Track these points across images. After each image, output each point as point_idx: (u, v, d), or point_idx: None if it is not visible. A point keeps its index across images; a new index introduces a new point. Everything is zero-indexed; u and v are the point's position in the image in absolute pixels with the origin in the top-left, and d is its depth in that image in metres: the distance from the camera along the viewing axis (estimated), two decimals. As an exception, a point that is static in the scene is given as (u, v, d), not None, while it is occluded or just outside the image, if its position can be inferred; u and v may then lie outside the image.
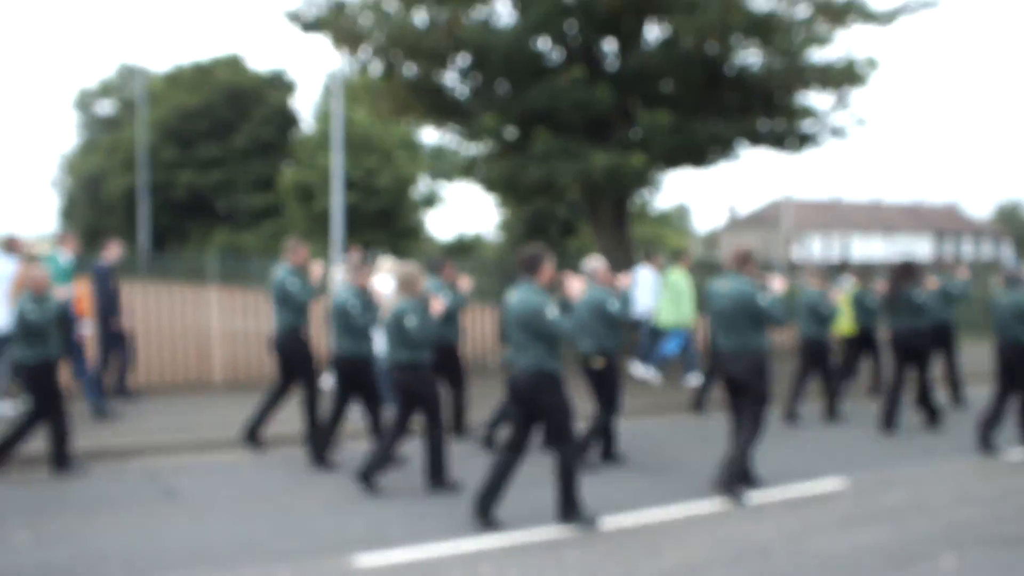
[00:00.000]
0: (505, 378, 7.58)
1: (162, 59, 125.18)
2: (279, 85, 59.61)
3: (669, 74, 15.06)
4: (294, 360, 9.80)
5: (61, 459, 8.88)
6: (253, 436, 10.02)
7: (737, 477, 8.23)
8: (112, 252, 11.99)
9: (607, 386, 9.36)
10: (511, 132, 15.86)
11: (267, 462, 9.68)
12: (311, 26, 14.79)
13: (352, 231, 42.98)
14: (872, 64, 15.27)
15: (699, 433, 11.24)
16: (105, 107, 69.31)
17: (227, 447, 10.16)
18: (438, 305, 8.51)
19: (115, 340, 11.91)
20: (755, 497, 8.19)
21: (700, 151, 15.75)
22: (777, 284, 8.54)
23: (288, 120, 57.03)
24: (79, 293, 11.51)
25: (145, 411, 11.76)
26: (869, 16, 14.98)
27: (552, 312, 7.07)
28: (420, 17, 14.59)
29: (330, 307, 9.74)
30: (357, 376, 9.17)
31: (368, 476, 8.30)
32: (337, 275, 11.92)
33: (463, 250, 45.64)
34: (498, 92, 15.20)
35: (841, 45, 15.30)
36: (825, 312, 11.80)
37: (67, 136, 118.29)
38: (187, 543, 6.89)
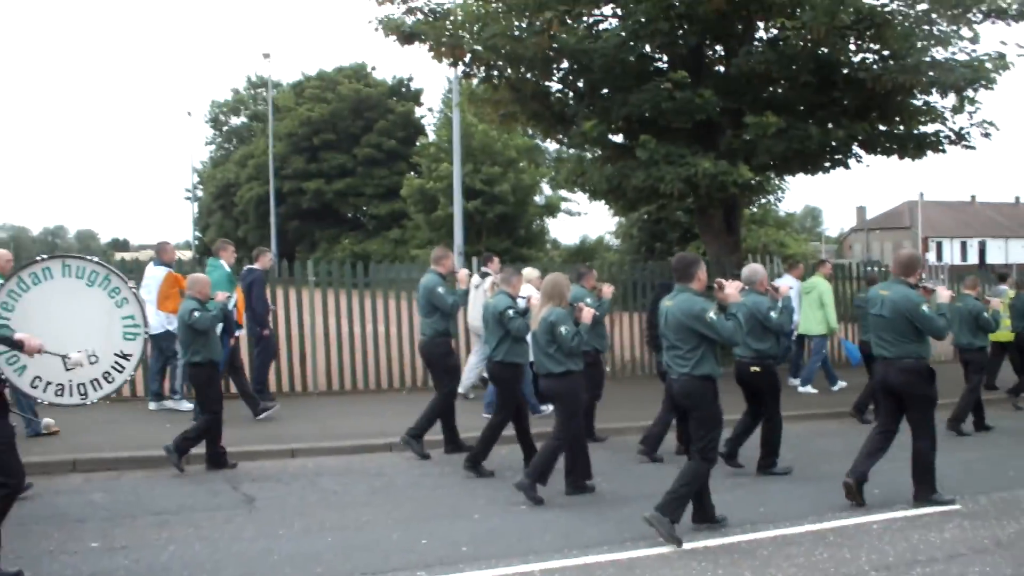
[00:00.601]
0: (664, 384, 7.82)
1: (290, 70, 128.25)
2: (404, 93, 60.40)
3: (778, 76, 14.48)
4: (439, 365, 10.07)
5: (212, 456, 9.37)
6: (417, 438, 10.08)
7: (931, 485, 8.11)
8: (264, 260, 12.60)
9: (764, 394, 9.31)
10: (615, 138, 15.49)
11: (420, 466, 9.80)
12: (410, 37, 14.64)
13: (474, 238, 43.11)
14: (1002, 63, 14.34)
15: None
16: (237, 119, 71.27)
17: (364, 451, 10.40)
18: (588, 314, 8.38)
19: (262, 344, 12.50)
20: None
21: (812, 157, 15.07)
22: (944, 295, 8.19)
23: (413, 128, 57.62)
24: (238, 299, 11.96)
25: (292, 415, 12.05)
26: (999, 11, 14.10)
27: (715, 314, 7.02)
28: (519, 24, 14.28)
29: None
30: (507, 382, 9.18)
31: (533, 484, 8.26)
32: (475, 283, 11.93)
33: (585, 255, 45.31)
34: (600, 98, 14.81)
35: (968, 43, 14.15)
36: (990, 323, 11.60)
37: (202, 149, 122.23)
38: (259, 554, 6.77)
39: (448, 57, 14.78)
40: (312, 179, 57.11)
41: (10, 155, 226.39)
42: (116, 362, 6.73)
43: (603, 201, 16.79)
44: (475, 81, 15.96)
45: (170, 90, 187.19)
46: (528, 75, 15.07)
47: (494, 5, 14.41)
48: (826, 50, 13.94)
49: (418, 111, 60.01)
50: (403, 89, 60.84)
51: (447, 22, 14.68)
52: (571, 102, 15.14)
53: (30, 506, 7.75)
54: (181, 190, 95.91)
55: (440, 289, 9.81)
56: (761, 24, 15.05)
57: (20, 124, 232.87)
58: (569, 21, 14.36)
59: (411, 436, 9.98)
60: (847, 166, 16.00)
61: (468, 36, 14.25)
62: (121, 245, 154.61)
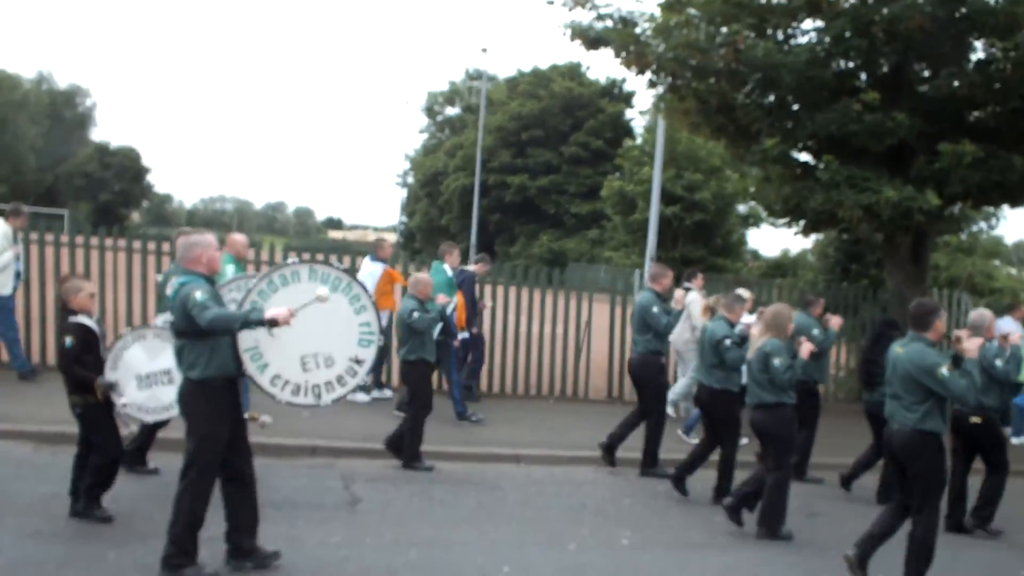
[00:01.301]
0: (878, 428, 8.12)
1: (506, 65, 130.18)
2: (616, 95, 60.36)
3: (982, 101, 13.60)
4: (649, 385, 10.05)
5: (410, 457, 9.64)
6: (610, 452, 10.27)
7: None
8: (481, 268, 13.13)
9: (986, 448, 8.97)
10: (800, 157, 14.95)
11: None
12: (595, 42, 14.56)
13: (671, 244, 42.64)
14: None
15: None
16: (451, 111, 72.92)
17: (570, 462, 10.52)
18: (806, 349, 8.29)
19: (473, 345, 12.86)
20: None
21: (1016, 189, 14.11)
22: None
23: (622, 130, 57.49)
24: (459, 303, 12.24)
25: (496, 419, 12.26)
26: None
27: (947, 371, 6.79)
28: (706, 35, 13.94)
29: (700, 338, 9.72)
30: (722, 411, 9.20)
31: (737, 509, 8.33)
32: (690, 299, 11.59)
33: (782, 270, 44.13)
34: (786, 115, 14.31)
35: None
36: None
37: (416, 137, 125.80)
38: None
39: (635, 65, 14.61)
40: (517, 174, 57.88)
41: (241, 132, 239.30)
42: (350, 366, 6.96)
43: (781, 219, 16.18)
44: (660, 89, 15.66)
45: (391, 79, 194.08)
46: (714, 87, 14.70)
47: (681, 17, 14.10)
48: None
49: (628, 113, 59.86)
50: (615, 90, 60.76)
51: (635, 29, 14.52)
52: (757, 117, 14.67)
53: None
54: (392, 175, 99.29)
55: (655, 308, 9.82)
56: (977, 43, 14.19)
57: (252, 102, 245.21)
58: (757, 34, 13.93)
59: (645, 466, 10.13)
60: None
61: (653, 45, 14.00)
62: (335, 224, 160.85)
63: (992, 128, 13.79)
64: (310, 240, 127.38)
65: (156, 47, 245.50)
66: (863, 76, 14.44)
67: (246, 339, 6.45)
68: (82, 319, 7.32)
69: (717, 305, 9.82)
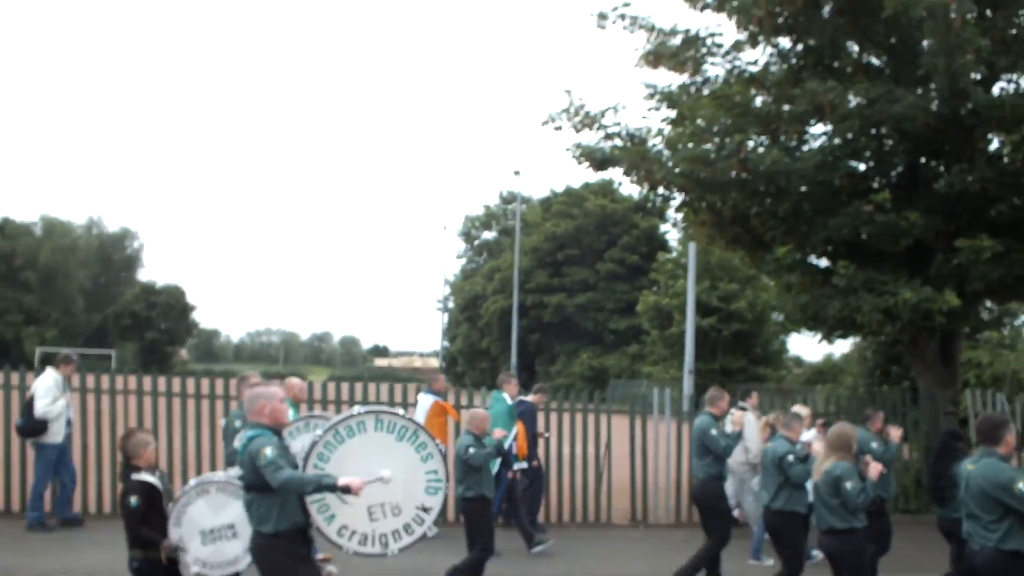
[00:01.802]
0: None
1: (540, 186, 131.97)
2: (649, 209, 60.58)
3: (996, 196, 13.42)
4: (712, 510, 9.93)
5: None
6: None
7: None
8: (540, 398, 13.10)
9: None
10: (817, 262, 14.80)
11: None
12: (603, 163, 14.60)
13: (710, 356, 42.26)
14: None
15: None
16: (487, 235, 73.76)
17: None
18: (875, 469, 8.00)
19: (532, 476, 12.70)
20: None
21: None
22: None
23: (656, 244, 57.61)
24: (519, 432, 12.14)
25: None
26: None
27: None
28: (710, 147, 13.95)
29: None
30: (785, 532, 8.99)
31: None
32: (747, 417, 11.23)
33: (823, 376, 43.43)
34: (797, 221, 14.19)
35: None
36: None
37: (455, 262, 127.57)
38: None
39: (645, 183, 14.64)
40: (554, 293, 58.05)
41: (284, 265, 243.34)
42: (417, 514, 6.98)
43: (802, 327, 15.90)
44: (673, 205, 15.67)
45: (429, 205, 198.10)
46: (727, 200, 14.66)
47: (687, 130, 14.16)
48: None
49: (662, 227, 60.04)
50: (648, 205, 60.46)
51: (644, 146, 14.57)
52: (771, 226, 14.57)
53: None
54: (433, 301, 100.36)
55: (713, 431, 9.75)
56: (991, 137, 14.09)
57: (295, 236, 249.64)
58: (771, 142, 13.95)
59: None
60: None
61: (662, 161, 13.99)
62: (381, 351, 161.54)
63: (1009, 222, 13.58)
64: (357, 369, 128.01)
65: (200, 184, 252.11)
66: (875, 178, 14.34)
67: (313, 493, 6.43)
68: (145, 476, 7.23)
69: (776, 423, 9.80)
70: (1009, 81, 13.83)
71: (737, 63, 15.17)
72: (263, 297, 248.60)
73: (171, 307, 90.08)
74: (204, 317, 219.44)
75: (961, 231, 13.32)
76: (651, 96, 14.64)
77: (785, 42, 14.60)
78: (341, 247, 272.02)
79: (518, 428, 12.00)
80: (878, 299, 13.01)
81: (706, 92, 15.00)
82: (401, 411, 7.62)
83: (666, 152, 14.11)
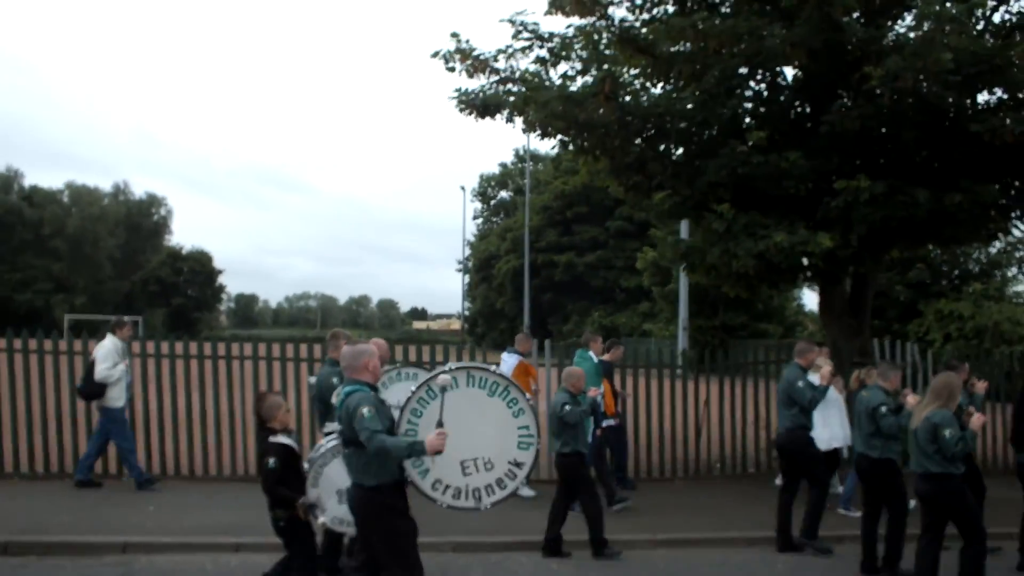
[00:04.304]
0: None
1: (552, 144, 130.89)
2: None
3: (876, 135, 12.74)
4: (800, 460, 10.06)
5: (598, 544, 9.60)
6: (787, 540, 10.12)
7: None
8: (615, 354, 13.05)
9: None
10: (695, 210, 14.23)
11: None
12: (484, 109, 14.06)
13: (711, 312, 41.65)
14: None
15: None
16: (504, 194, 73.30)
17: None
18: (978, 420, 8.13)
19: (616, 433, 12.79)
20: None
21: (931, 226, 13.10)
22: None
23: (667, 200, 56.90)
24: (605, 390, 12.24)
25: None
26: None
27: None
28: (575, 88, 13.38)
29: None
30: (885, 480, 9.11)
31: None
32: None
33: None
34: (678, 165, 13.62)
35: None
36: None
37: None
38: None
39: (531, 129, 14.11)
40: (564, 252, 57.63)
41: (321, 228, 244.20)
42: (509, 469, 7.08)
43: (715, 283, 15.18)
44: (562, 149, 15.09)
45: (454, 165, 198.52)
46: (613, 143, 14.04)
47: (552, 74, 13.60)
48: (937, 100, 12.10)
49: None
50: (553, 151, 60.30)
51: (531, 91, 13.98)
52: (657, 171, 13.98)
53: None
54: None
55: (800, 383, 9.88)
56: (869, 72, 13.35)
57: (329, 198, 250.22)
58: (632, 81, 13.36)
59: (806, 537, 10.00)
60: (994, 236, 13.84)
61: (535, 104, 13.42)
62: (420, 314, 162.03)
63: (893, 163, 12.91)
64: (396, 332, 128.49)
65: (229, 142, 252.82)
66: (755, 119, 13.72)
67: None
68: (282, 438, 7.53)
69: (868, 376, 10.22)
70: (892, 17, 13.09)
71: (635, 2, 14.52)
72: (300, 261, 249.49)
73: (197, 273, 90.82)
74: (237, 282, 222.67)
75: (845, 173, 12.66)
76: (519, 35, 13.93)
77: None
78: (375, 208, 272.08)
79: (604, 386, 12.01)
80: (752, 244, 12.44)
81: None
82: (493, 367, 7.67)
83: (548, 92, 13.51)
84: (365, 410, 6.06)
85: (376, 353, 6.57)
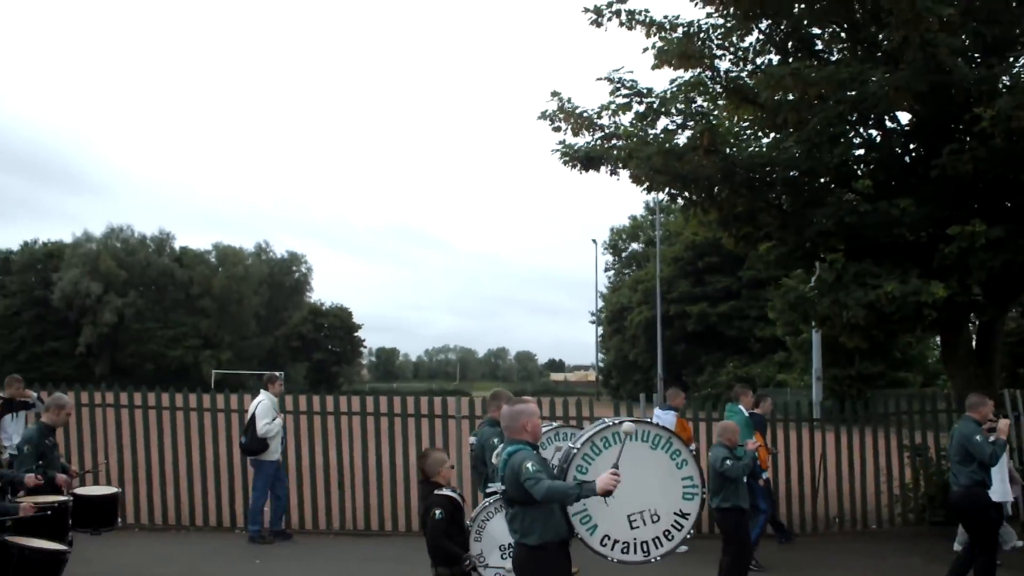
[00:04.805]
0: None
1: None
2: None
3: (992, 177, 12.26)
4: (976, 522, 9.66)
5: None
6: None
7: None
8: (766, 407, 12.85)
9: None
10: (802, 259, 13.91)
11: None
12: (588, 162, 14.11)
13: (846, 362, 40.46)
14: None
15: None
16: (635, 246, 73.20)
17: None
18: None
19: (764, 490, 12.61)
20: None
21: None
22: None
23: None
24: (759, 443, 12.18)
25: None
26: None
27: None
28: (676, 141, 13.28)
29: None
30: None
31: None
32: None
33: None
34: (785, 215, 13.36)
35: None
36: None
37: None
38: None
39: (636, 182, 14.07)
40: (697, 302, 56.99)
41: (462, 286, 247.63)
42: (675, 520, 7.05)
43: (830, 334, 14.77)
44: (671, 202, 14.98)
45: (585, 219, 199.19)
46: (720, 195, 13.89)
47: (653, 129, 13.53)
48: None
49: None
50: (652, 205, 59.56)
51: (632, 144, 13.97)
52: (766, 222, 13.75)
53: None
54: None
55: (978, 437, 9.41)
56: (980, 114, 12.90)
57: (471, 258, 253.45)
58: (735, 132, 13.20)
59: None
60: None
61: (637, 159, 13.37)
62: (557, 366, 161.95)
63: (1014, 206, 12.40)
64: (533, 384, 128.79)
65: (371, 202, 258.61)
66: (863, 166, 13.39)
67: (575, 504, 6.51)
68: (447, 491, 7.57)
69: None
70: (1003, 56, 12.62)
71: (739, 53, 14.42)
72: (439, 315, 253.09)
73: (337, 328, 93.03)
74: (377, 337, 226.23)
75: (959, 218, 12.21)
76: (617, 92, 13.94)
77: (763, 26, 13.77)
78: (510, 263, 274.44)
79: (757, 438, 11.87)
80: (863, 294, 12.08)
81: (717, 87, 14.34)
82: (655, 420, 7.98)
83: (648, 147, 13.47)
84: (529, 464, 6.08)
85: (536, 413, 6.60)
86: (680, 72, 14.36)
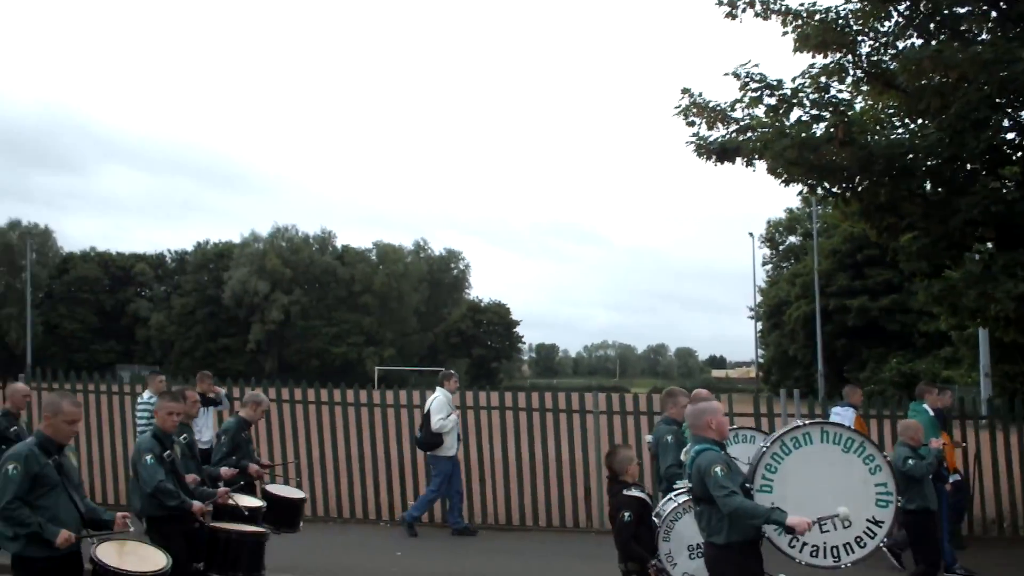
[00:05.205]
0: None
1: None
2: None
3: None
4: None
5: None
6: None
7: None
8: (944, 400, 12.45)
9: None
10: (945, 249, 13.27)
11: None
12: (721, 156, 13.84)
13: (1019, 357, 38.53)
14: None
15: None
16: (793, 238, 71.57)
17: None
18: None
19: (958, 490, 12.06)
20: None
21: None
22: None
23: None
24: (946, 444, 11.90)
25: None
26: None
27: None
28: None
29: None
30: None
31: None
32: None
33: None
34: (928, 205, 12.80)
35: None
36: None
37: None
38: None
39: (772, 174, 13.74)
40: (857, 296, 55.35)
41: (620, 281, 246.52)
42: (868, 528, 6.93)
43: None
44: (810, 193, 14.57)
45: (741, 210, 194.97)
46: (859, 186, 13.43)
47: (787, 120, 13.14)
48: None
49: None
50: (799, 196, 57.00)
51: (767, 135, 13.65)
52: (910, 212, 13.21)
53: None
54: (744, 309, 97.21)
55: None
56: None
57: (628, 253, 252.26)
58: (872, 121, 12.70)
59: None
60: None
61: (773, 151, 13.02)
62: (718, 362, 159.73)
63: None
64: (694, 381, 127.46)
65: (529, 199, 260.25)
66: (1013, 151, 12.71)
67: (763, 503, 6.44)
68: (635, 492, 7.58)
69: None
70: None
71: (880, 38, 13.90)
72: (598, 311, 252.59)
73: (495, 324, 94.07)
74: (536, 333, 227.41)
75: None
76: (746, 86, 13.58)
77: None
78: (667, 257, 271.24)
79: (944, 439, 11.31)
80: (1013, 285, 11.48)
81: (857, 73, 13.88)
82: (833, 418, 7.76)
83: (782, 140, 13.12)
84: (717, 469, 6.04)
85: (721, 410, 6.53)
86: (819, 59, 14.02)
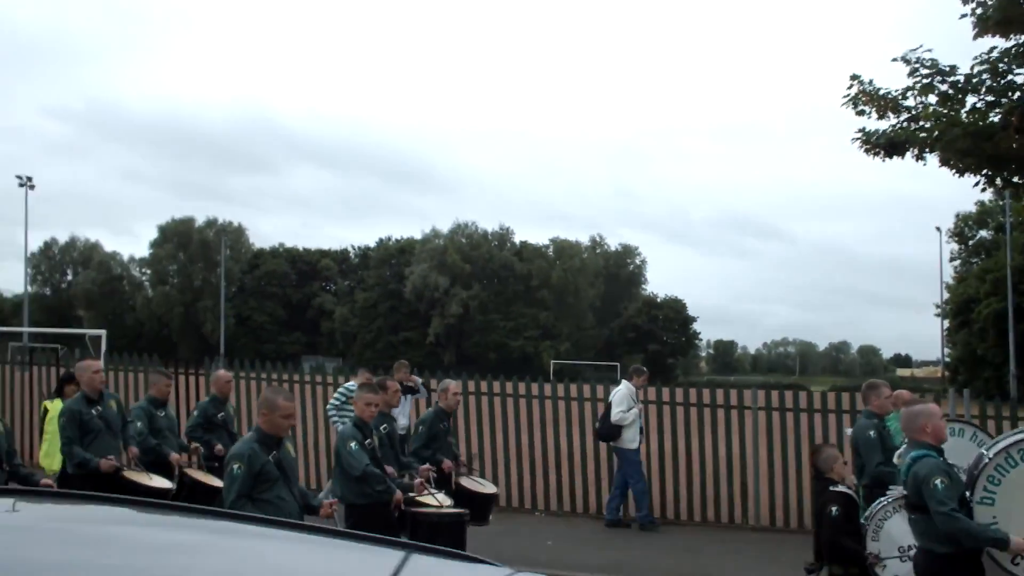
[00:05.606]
0: None
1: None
2: None
3: None
4: None
5: None
6: None
7: None
8: None
9: None
10: None
11: None
12: (890, 151, 13.70)
13: None
14: None
15: None
16: (983, 232, 68.67)
17: None
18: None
19: None
20: None
21: None
22: None
23: None
24: None
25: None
26: None
27: None
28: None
29: None
30: None
31: None
32: None
33: None
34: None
35: None
36: None
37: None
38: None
39: (946, 167, 13.55)
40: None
41: (802, 277, 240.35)
42: None
43: None
44: (989, 186, 14.26)
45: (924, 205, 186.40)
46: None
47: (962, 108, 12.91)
48: None
49: None
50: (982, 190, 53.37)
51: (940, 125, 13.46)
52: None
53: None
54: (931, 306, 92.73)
55: None
56: None
57: (811, 249, 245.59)
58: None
59: None
60: None
61: (945, 141, 12.86)
62: (903, 361, 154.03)
63: None
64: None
65: (709, 194, 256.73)
66: None
67: (983, 516, 6.11)
68: (842, 488, 7.50)
69: None
70: None
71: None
72: (779, 308, 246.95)
73: (671, 320, 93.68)
74: (713, 329, 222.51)
75: None
76: (915, 72, 13.35)
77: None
78: (852, 253, 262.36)
79: None
80: None
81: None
82: None
83: (954, 129, 12.93)
84: (937, 482, 5.77)
85: (938, 413, 6.24)
86: (1000, 41, 13.71)
